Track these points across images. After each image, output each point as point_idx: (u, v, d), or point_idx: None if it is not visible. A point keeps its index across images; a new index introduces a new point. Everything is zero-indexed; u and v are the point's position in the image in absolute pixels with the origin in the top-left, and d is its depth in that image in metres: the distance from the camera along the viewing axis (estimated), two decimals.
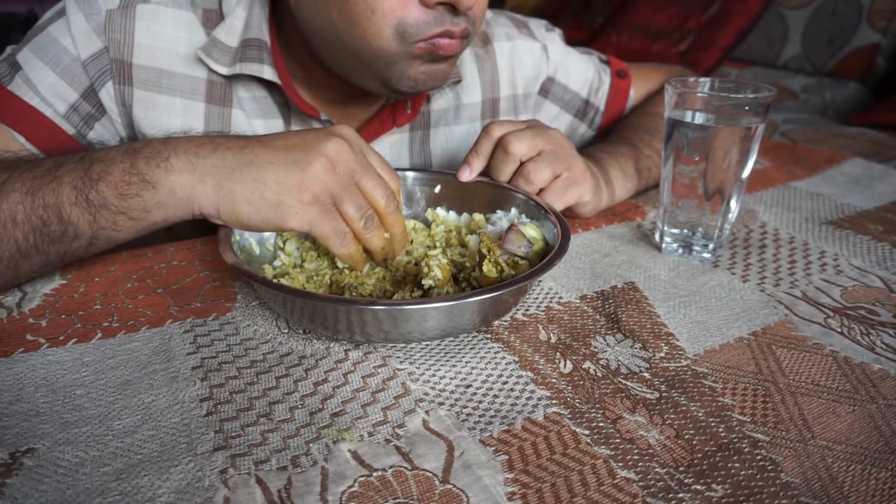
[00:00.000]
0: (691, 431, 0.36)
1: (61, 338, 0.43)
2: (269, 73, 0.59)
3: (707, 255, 0.56)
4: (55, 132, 0.57)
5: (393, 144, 0.70)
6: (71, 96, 0.57)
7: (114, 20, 0.57)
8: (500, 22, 0.76)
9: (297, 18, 0.56)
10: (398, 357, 0.42)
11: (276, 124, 0.64)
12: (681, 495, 0.32)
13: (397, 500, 0.31)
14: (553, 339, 0.44)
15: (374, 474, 0.32)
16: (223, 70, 0.59)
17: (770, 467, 0.33)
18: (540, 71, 0.77)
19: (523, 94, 0.76)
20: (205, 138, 0.46)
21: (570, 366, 0.41)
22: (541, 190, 0.56)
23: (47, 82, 0.56)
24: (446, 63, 0.56)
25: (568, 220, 0.63)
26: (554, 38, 0.78)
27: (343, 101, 0.65)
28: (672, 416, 0.37)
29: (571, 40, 0.85)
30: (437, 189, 0.59)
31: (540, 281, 0.52)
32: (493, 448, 0.34)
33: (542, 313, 0.47)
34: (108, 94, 0.58)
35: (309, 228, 0.44)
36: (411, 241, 0.54)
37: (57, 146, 0.57)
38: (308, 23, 0.56)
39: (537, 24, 0.79)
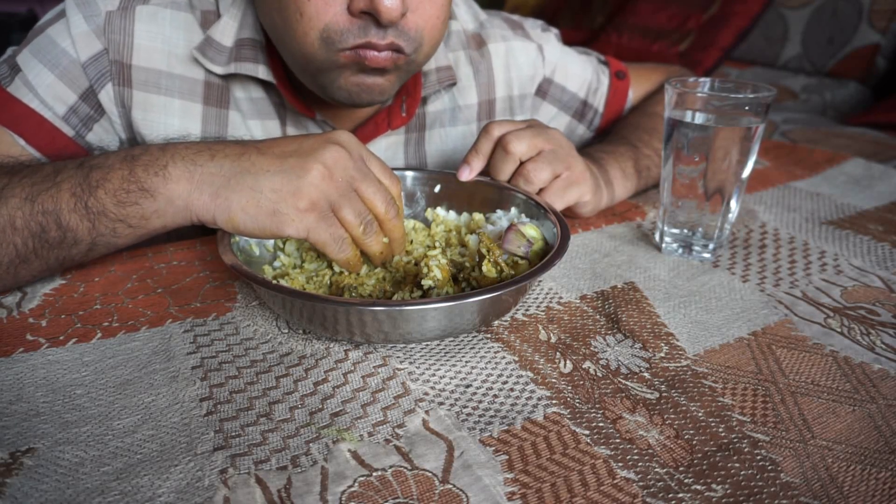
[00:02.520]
0: (691, 431, 0.36)
1: (61, 338, 0.43)
2: (263, 72, 0.59)
3: (707, 255, 0.56)
4: (55, 135, 0.57)
5: (388, 146, 0.70)
6: (70, 98, 0.57)
7: (113, 22, 0.57)
8: (494, 24, 0.76)
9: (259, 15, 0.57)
10: (398, 357, 0.42)
11: (272, 125, 0.64)
12: (681, 495, 0.32)
13: (397, 500, 0.31)
14: (553, 339, 0.44)
15: (374, 474, 0.32)
16: (218, 70, 0.59)
17: (770, 467, 0.33)
18: (536, 71, 0.76)
19: (519, 95, 0.76)
20: (203, 145, 0.46)
21: (570, 366, 0.41)
22: (541, 190, 0.56)
23: (46, 84, 0.56)
24: (383, 77, 0.55)
25: (568, 220, 0.63)
26: (550, 39, 0.78)
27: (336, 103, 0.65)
28: (672, 416, 0.37)
29: (571, 40, 0.84)
30: (437, 189, 0.59)
31: (540, 281, 0.52)
32: (493, 448, 0.34)
33: (542, 313, 0.47)
34: (107, 95, 0.58)
35: (306, 235, 0.44)
36: (411, 241, 0.54)
37: (57, 149, 0.57)
38: (262, 21, 0.57)
39: (533, 25, 0.78)
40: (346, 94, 0.56)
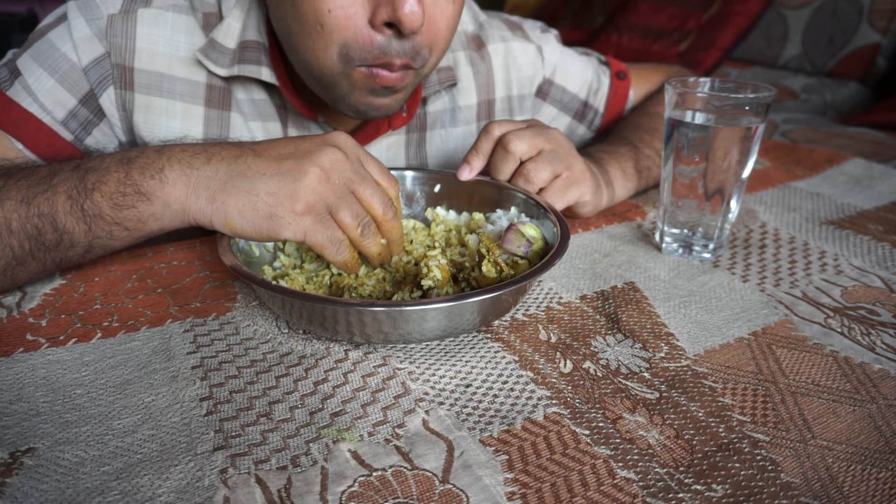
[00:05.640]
0: (691, 431, 0.36)
1: (61, 337, 0.43)
2: (266, 74, 0.59)
3: (707, 255, 0.56)
4: (54, 139, 0.57)
5: (389, 147, 0.70)
6: (69, 102, 0.57)
7: (115, 25, 0.57)
8: (494, 25, 0.76)
9: (272, 20, 0.57)
10: (398, 357, 0.42)
11: (273, 127, 0.64)
12: (681, 495, 0.32)
13: (397, 500, 0.31)
14: (553, 339, 0.44)
15: (374, 474, 0.32)
16: (221, 71, 0.59)
17: (770, 467, 0.33)
18: (535, 72, 0.77)
19: (518, 96, 0.76)
20: (199, 147, 0.46)
21: (570, 366, 0.41)
22: (541, 189, 0.56)
23: (45, 89, 0.56)
24: (391, 97, 0.56)
25: (568, 220, 0.63)
26: (549, 40, 0.78)
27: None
28: (672, 416, 0.37)
29: (571, 40, 0.84)
30: (437, 188, 0.59)
31: (540, 281, 0.52)
32: (493, 448, 0.34)
33: (542, 313, 0.47)
34: (109, 99, 0.58)
35: (303, 238, 0.44)
36: (410, 241, 0.54)
37: (55, 153, 0.57)
38: (275, 26, 0.57)
39: (532, 26, 0.79)
40: (355, 111, 0.57)
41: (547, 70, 0.77)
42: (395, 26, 0.50)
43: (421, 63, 0.54)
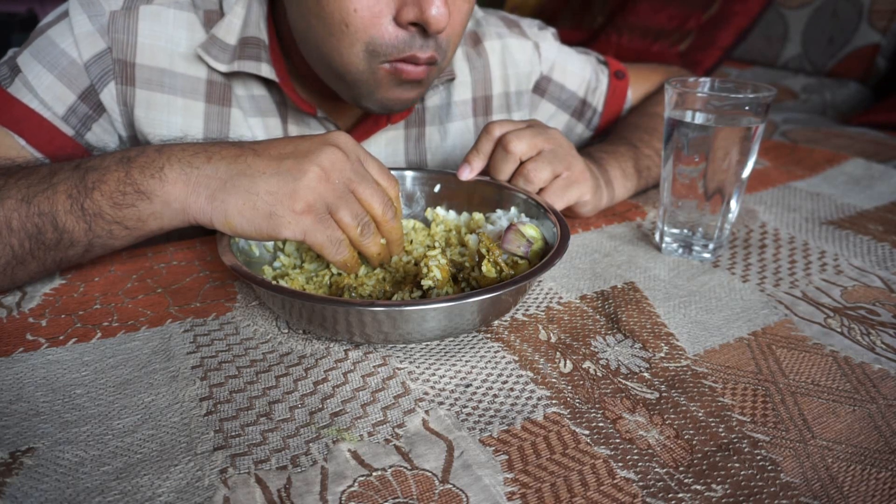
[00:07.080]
0: (691, 431, 0.36)
1: (61, 337, 0.43)
2: (266, 70, 0.59)
3: (707, 255, 0.56)
4: (55, 134, 0.57)
5: (388, 142, 0.70)
6: (69, 98, 0.57)
7: (117, 21, 0.57)
8: (490, 22, 0.76)
9: (288, 17, 0.58)
10: (398, 356, 0.42)
11: (273, 122, 0.64)
12: (681, 495, 0.32)
13: (397, 500, 0.31)
14: (553, 339, 0.44)
15: (374, 474, 0.32)
16: (222, 67, 0.59)
17: (770, 467, 0.33)
18: (532, 68, 0.77)
19: (515, 92, 0.77)
20: (199, 147, 0.46)
21: (570, 366, 0.41)
22: (541, 189, 0.56)
23: (45, 85, 0.56)
24: (416, 90, 0.57)
25: (568, 220, 0.63)
26: (546, 37, 0.78)
27: (338, 98, 0.65)
28: (672, 416, 0.37)
29: (571, 40, 0.85)
30: (437, 188, 0.59)
31: (540, 281, 0.52)
32: (493, 448, 0.34)
33: (542, 313, 0.47)
34: (109, 94, 0.58)
35: (302, 238, 0.44)
36: (410, 241, 0.54)
37: (57, 148, 0.57)
38: (293, 23, 0.57)
39: (529, 24, 0.79)
40: (380, 106, 0.58)
41: (544, 66, 0.77)
42: (419, 25, 0.51)
43: (443, 56, 0.55)
